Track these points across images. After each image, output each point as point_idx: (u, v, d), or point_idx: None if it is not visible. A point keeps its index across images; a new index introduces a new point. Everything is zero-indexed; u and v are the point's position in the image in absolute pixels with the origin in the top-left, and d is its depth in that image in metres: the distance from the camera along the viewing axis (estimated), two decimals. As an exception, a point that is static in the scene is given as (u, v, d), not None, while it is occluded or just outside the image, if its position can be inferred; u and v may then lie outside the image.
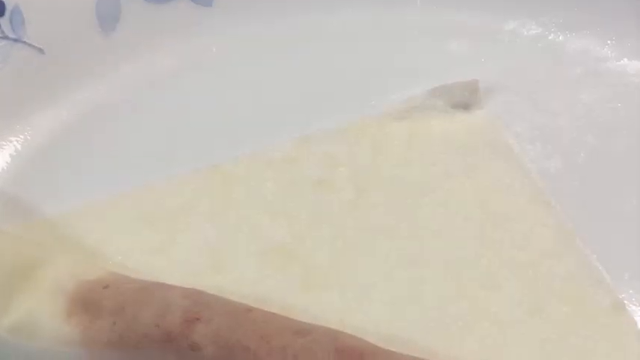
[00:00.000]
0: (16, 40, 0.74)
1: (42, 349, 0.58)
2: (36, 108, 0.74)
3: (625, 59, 0.75)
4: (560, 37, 0.76)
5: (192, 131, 0.73)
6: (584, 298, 0.61)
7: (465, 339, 0.60)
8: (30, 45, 0.75)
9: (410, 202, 0.67)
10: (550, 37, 0.77)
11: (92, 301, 0.58)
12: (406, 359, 0.55)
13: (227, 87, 0.75)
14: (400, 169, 0.69)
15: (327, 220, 0.66)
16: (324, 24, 0.79)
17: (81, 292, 0.59)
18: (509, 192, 0.67)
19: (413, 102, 0.72)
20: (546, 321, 0.60)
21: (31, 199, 0.68)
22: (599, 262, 0.63)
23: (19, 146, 0.72)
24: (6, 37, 0.74)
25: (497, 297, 0.61)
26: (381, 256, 0.64)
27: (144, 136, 0.73)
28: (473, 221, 0.65)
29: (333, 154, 0.70)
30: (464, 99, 0.72)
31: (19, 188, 0.69)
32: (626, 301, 0.61)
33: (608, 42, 0.75)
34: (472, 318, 0.60)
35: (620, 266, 0.62)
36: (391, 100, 0.73)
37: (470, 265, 0.63)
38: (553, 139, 0.70)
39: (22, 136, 0.72)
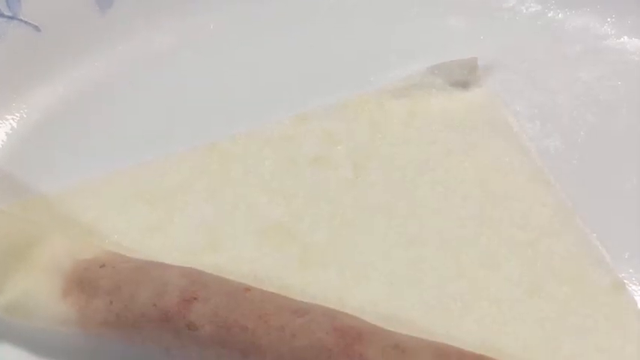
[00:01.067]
0: (11, 18, 0.73)
1: (38, 328, 0.57)
2: (32, 85, 0.72)
3: (625, 37, 0.73)
4: (560, 15, 0.75)
5: (190, 109, 0.71)
6: (584, 278, 0.60)
7: (464, 318, 0.59)
8: (26, 22, 0.73)
9: (408, 180, 0.66)
10: (549, 15, 0.75)
11: (88, 281, 0.57)
12: (405, 339, 0.54)
13: (224, 65, 0.74)
14: (399, 147, 0.68)
15: (325, 198, 0.65)
16: (323, 1, 0.77)
17: (77, 271, 0.58)
18: (509, 171, 0.66)
19: (412, 80, 0.71)
20: (545, 300, 0.59)
21: (27, 177, 0.67)
22: (599, 241, 0.62)
23: (15, 124, 0.70)
24: (2, 15, 0.73)
25: (496, 276, 0.61)
26: (380, 234, 0.63)
27: (141, 114, 0.71)
28: (472, 200, 0.64)
29: (331, 131, 0.69)
30: (463, 77, 0.71)
31: (15, 166, 0.68)
32: (626, 281, 0.60)
33: (608, 20, 0.74)
34: (471, 297, 0.60)
35: (620, 245, 0.62)
36: (390, 78, 0.71)
37: (469, 244, 0.62)
38: (552, 117, 0.69)
39: (18, 114, 0.71)
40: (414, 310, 0.59)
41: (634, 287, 0.60)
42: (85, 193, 0.66)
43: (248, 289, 0.56)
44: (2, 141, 0.69)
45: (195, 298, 0.55)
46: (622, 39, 0.73)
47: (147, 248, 0.62)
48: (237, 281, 0.58)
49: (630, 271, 0.60)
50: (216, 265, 0.60)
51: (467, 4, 0.76)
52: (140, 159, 0.68)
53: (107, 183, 0.67)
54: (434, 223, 0.63)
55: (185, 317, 0.54)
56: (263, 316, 0.54)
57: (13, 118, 0.71)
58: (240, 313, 0.54)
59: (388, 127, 0.69)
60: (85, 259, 0.59)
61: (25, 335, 0.58)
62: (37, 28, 0.73)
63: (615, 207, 0.64)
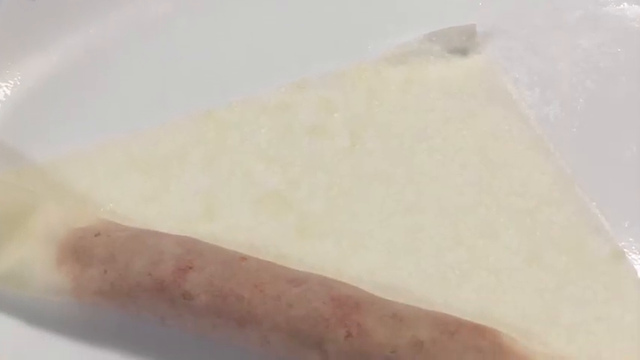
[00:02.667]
0: (5, -15, 0.72)
1: (32, 297, 0.56)
2: (26, 53, 0.71)
3: (625, 3, 0.72)
4: (559, -19, 0.74)
5: (185, 77, 0.70)
6: (583, 246, 0.59)
7: (462, 287, 0.58)
8: (20, -10, 0.72)
9: (406, 148, 0.65)
10: (549, -19, 0.74)
11: (83, 249, 0.56)
12: (402, 308, 0.54)
13: (220, 31, 0.72)
14: (396, 115, 0.67)
15: (322, 166, 0.64)
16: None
17: (72, 239, 0.57)
18: (508, 138, 0.65)
19: (409, 47, 0.70)
20: (544, 269, 0.58)
21: (21, 145, 0.65)
22: (599, 210, 0.61)
23: (8, 92, 0.69)
24: (-4, -18, 0.71)
25: (494, 245, 0.60)
26: (377, 203, 0.62)
27: (136, 82, 0.70)
28: (470, 168, 0.63)
29: (329, 99, 0.68)
30: (461, 44, 0.69)
31: (8, 134, 0.66)
32: (625, 250, 0.59)
33: (608, -15, 0.73)
34: (469, 266, 0.59)
35: (619, 214, 0.61)
36: (387, 45, 0.70)
37: (467, 212, 0.61)
38: (552, 84, 0.68)
39: (11, 82, 0.69)
40: (411, 279, 0.58)
41: (633, 256, 0.59)
42: (79, 161, 0.65)
43: (244, 258, 0.55)
44: (-4, 109, 0.68)
45: (190, 267, 0.54)
46: (622, 5, 0.72)
47: (142, 217, 0.61)
48: (233, 250, 0.56)
49: (630, 239, 0.59)
50: (212, 233, 0.59)
51: (466, -30, 0.74)
52: (135, 127, 0.66)
53: (102, 151, 0.65)
54: (432, 191, 0.62)
55: (180, 286, 0.53)
56: (259, 285, 0.53)
57: (6, 86, 0.69)
58: (236, 282, 0.53)
59: (385, 95, 0.68)
60: (80, 227, 0.58)
61: (20, 305, 0.57)
62: (31, -5, 0.72)
63: (615, 175, 0.63)
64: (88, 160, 0.65)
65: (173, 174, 0.64)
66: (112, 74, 0.70)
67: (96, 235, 0.57)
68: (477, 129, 0.65)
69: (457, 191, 0.62)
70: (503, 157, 0.63)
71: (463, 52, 0.69)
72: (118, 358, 0.55)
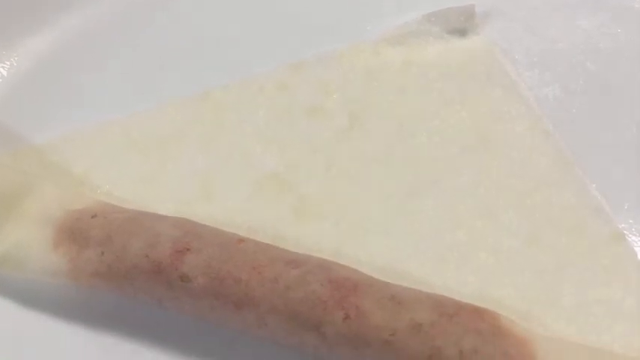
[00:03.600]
0: (1, -35, 0.71)
1: (29, 279, 0.55)
2: (23, 34, 0.70)
3: (625, -16, 0.71)
4: (559, -39, 0.73)
5: (183, 58, 0.69)
6: (583, 228, 0.59)
7: (461, 269, 0.57)
8: (16, -30, 0.71)
9: (405, 130, 0.64)
10: (548, -39, 0.73)
11: (80, 231, 0.55)
12: (401, 290, 0.53)
13: (218, 13, 0.72)
14: (394, 97, 0.66)
15: (321, 148, 0.63)
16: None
17: (68, 221, 0.56)
18: (507, 120, 0.64)
19: (408, 28, 0.69)
20: (544, 251, 0.58)
21: (18, 127, 0.64)
22: (599, 192, 0.60)
23: (5, 72, 0.68)
24: (-8, -38, 0.70)
25: (494, 226, 0.59)
26: (376, 185, 0.61)
27: (133, 63, 0.69)
28: (470, 150, 0.62)
29: (326, 80, 0.67)
30: (460, 24, 0.69)
31: (5, 115, 0.65)
32: (625, 232, 0.58)
33: (608, -35, 0.72)
34: (469, 248, 0.58)
35: (619, 195, 0.60)
36: (386, 26, 0.69)
37: (466, 194, 0.60)
38: (551, 65, 0.67)
39: (8, 63, 0.69)
40: (410, 262, 0.57)
41: (633, 238, 0.58)
42: (76, 142, 0.64)
43: (242, 240, 0.54)
44: (-8, 90, 0.67)
45: (188, 249, 0.53)
46: (622, -14, 0.71)
47: (139, 198, 0.60)
48: (230, 232, 0.56)
49: (630, 221, 0.59)
50: (209, 215, 0.58)
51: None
52: (132, 108, 0.65)
53: (99, 132, 0.64)
54: (431, 173, 0.61)
55: (178, 269, 0.53)
56: (257, 267, 0.53)
57: (3, 67, 0.68)
58: (234, 265, 0.52)
59: (384, 77, 0.67)
60: (77, 209, 0.57)
61: (16, 287, 0.56)
62: (27, -24, 0.71)
63: (615, 157, 0.62)
64: (85, 142, 0.64)
65: (170, 156, 0.63)
66: (109, 55, 0.69)
67: (93, 217, 0.56)
68: (476, 111, 0.64)
69: (456, 173, 0.61)
70: (503, 139, 0.63)
71: (462, 33, 0.69)
72: (115, 339, 0.54)
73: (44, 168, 0.62)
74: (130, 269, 0.53)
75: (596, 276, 0.56)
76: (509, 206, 0.60)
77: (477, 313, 0.52)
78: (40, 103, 0.66)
